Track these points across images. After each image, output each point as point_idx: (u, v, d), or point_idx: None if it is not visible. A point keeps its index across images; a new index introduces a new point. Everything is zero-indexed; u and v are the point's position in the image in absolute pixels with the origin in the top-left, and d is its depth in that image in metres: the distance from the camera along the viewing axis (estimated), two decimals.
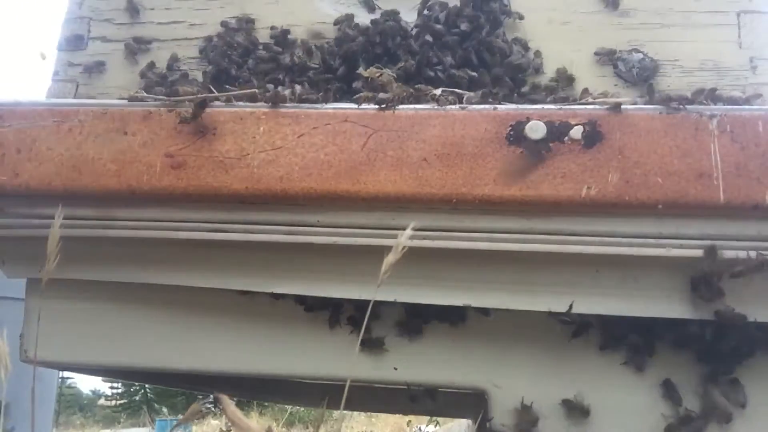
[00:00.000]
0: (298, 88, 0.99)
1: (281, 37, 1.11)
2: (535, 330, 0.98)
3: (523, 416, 0.95)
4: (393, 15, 1.08)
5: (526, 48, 1.07)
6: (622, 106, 0.89)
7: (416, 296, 0.95)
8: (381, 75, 0.96)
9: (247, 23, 1.12)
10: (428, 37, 1.04)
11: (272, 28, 1.12)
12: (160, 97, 0.98)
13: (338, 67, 1.06)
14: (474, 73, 1.02)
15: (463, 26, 1.05)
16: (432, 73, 1.02)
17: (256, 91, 0.99)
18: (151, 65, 1.11)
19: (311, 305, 1.03)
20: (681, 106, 0.88)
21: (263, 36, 1.13)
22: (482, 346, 1.00)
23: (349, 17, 1.10)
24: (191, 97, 0.96)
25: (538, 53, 1.07)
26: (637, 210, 0.86)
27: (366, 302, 0.82)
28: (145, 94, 0.99)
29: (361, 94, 0.95)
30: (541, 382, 0.98)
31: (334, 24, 1.11)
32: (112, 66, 1.14)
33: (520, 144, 0.89)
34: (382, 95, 0.93)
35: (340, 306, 1.02)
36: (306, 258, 0.96)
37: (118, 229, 0.96)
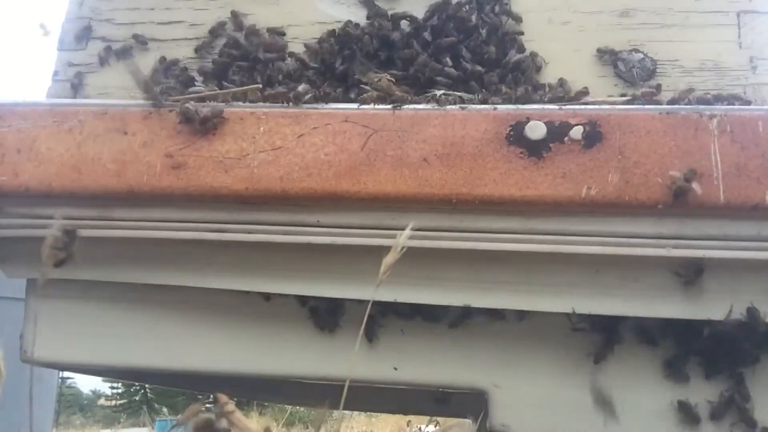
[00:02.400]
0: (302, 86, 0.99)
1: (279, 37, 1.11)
2: (535, 330, 0.98)
3: None
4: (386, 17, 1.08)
5: (522, 49, 1.06)
6: (621, 106, 0.89)
7: (416, 296, 0.95)
8: (380, 80, 0.96)
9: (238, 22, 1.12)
10: (428, 37, 1.04)
11: (269, 29, 1.12)
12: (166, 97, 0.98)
13: (339, 66, 1.06)
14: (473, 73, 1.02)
15: (462, 29, 1.05)
16: (433, 75, 1.02)
17: (259, 86, 0.99)
18: (163, 61, 1.11)
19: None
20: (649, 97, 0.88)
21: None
22: (482, 346, 1.00)
23: (381, 13, 1.09)
24: (190, 96, 0.96)
25: (534, 53, 1.06)
26: (637, 210, 0.87)
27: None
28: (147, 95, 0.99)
29: (367, 94, 0.96)
30: (542, 382, 0.98)
31: (367, 19, 1.10)
32: (111, 66, 1.14)
33: (520, 144, 0.89)
34: (397, 94, 0.93)
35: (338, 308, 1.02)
36: (306, 258, 0.96)
37: (118, 229, 0.96)
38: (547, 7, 1.09)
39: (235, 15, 1.12)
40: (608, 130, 0.88)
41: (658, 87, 1.00)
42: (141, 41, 1.13)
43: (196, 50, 1.11)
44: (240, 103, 0.98)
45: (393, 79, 0.98)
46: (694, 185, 0.84)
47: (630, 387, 0.96)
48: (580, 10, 1.08)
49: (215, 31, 1.12)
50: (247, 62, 1.08)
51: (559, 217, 0.89)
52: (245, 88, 0.99)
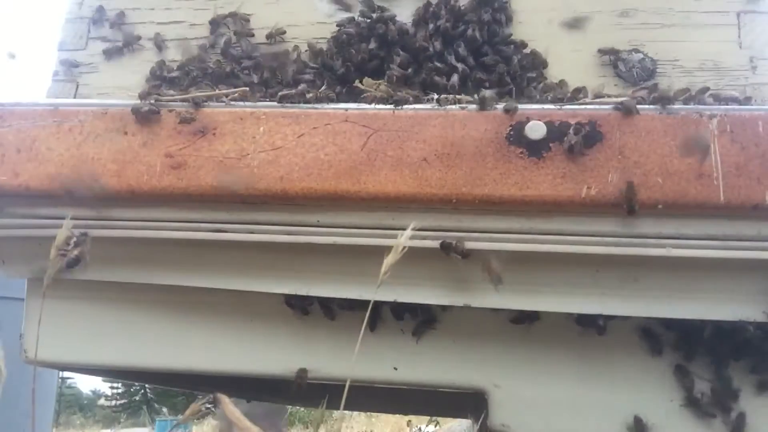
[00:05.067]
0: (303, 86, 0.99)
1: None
2: (535, 330, 0.98)
3: None
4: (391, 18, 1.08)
5: (524, 47, 1.06)
6: (620, 106, 0.89)
7: (416, 296, 0.95)
8: (378, 86, 0.96)
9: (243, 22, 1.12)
10: (431, 41, 1.04)
11: (268, 35, 1.12)
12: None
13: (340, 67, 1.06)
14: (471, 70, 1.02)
15: (464, 27, 1.05)
16: (434, 75, 1.02)
17: (246, 89, 0.99)
18: (161, 64, 1.11)
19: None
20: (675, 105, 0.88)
21: (261, 36, 1.13)
22: (482, 346, 1.00)
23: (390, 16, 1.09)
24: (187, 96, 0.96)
25: (534, 53, 1.06)
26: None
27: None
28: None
29: (369, 94, 0.95)
30: (542, 382, 0.98)
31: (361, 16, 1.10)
32: (111, 66, 1.14)
33: (520, 144, 0.89)
34: (397, 94, 0.94)
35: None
36: (306, 258, 0.96)
37: (118, 229, 0.96)
38: (547, 7, 1.09)
39: (215, 21, 1.12)
40: (608, 130, 0.88)
41: (654, 87, 1.00)
42: (137, 40, 1.13)
43: (179, 68, 1.10)
44: (240, 103, 0.98)
45: (389, 84, 0.98)
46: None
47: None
48: (580, 10, 1.08)
49: (193, 55, 1.11)
50: (249, 60, 1.09)
51: (559, 217, 0.89)
52: (232, 90, 1.00)
